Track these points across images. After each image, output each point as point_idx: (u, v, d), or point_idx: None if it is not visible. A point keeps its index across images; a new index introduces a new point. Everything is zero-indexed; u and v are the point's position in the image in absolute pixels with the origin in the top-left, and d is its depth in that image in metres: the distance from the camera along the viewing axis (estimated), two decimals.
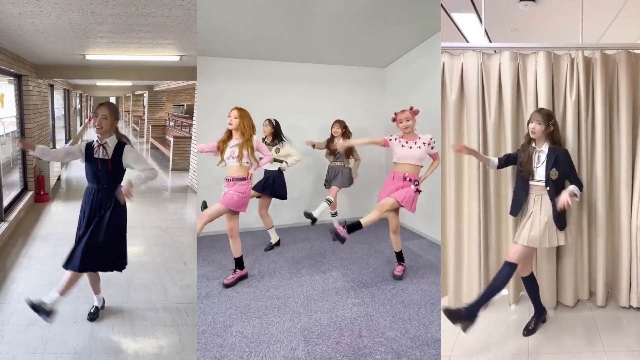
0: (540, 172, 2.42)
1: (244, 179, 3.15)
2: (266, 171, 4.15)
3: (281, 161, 4.13)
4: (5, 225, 4.20)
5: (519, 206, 2.49)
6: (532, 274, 2.53)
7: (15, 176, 5.53)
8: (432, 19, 3.73)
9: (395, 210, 3.25)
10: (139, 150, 12.34)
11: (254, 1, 3.23)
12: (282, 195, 4.21)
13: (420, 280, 3.35)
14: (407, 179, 3.18)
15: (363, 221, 3.02)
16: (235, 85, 4.93)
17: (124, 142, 2.50)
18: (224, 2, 3.23)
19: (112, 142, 2.47)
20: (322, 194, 5.31)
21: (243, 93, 4.94)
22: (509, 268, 2.35)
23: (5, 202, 4.63)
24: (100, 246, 2.43)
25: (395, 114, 3.35)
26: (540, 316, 2.55)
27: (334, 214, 4.65)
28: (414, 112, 3.27)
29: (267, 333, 2.55)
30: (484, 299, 2.32)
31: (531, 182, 2.45)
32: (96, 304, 2.77)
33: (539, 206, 2.41)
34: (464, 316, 2.25)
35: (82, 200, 2.54)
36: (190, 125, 8.19)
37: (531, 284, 2.53)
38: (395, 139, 3.26)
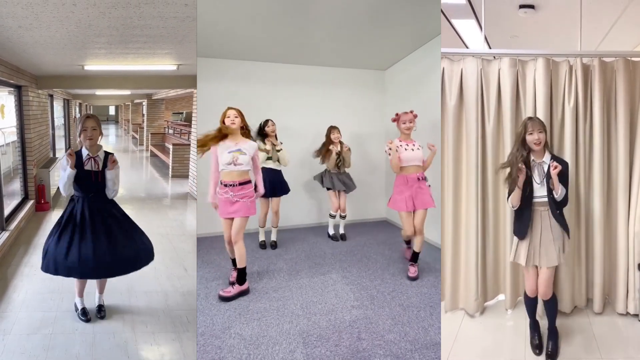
0: (544, 187, 2.26)
1: (249, 181, 3.10)
2: (268, 171, 4.16)
3: (277, 159, 4.22)
4: (6, 234, 4.21)
5: (526, 227, 2.31)
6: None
7: (16, 185, 5.56)
8: (432, 22, 3.76)
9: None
10: (139, 158, 12.38)
11: (254, 4, 3.25)
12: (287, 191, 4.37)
13: (419, 283, 3.36)
14: (421, 179, 3.38)
15: (417, 249, 3.45)
16: (234, 86, 4.95)
17: (110, 152, 2.63)
18: (223, 5, 3.25)
19: (101, 154, 2.60)
20: (319, 195, 5.35)
21: (242, 94, 4.96)
22: (554, 302, 2.40)
23: (6, 211, 4.64)
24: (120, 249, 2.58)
25: (397, 114, 3.41)
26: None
27: (343, 217, 4.69)
28: (415, 116, 3.39)
29: (265, 335, 2.56)
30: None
31: (534, 200, 2.29)
32: (98, 302, 2.83)
33: (547, 223, 2.29)
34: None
35: (69, 208, 2.57)
36: (189, 132, 8.22)
37: (554, 305, 2.44)
38: (399, 146, 3.34)
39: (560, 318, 2.70)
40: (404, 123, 3.37)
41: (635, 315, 2.67)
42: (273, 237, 4.46)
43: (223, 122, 3.06)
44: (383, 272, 3.62)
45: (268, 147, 4.15)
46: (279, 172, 4.30)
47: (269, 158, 4.15)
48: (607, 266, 2.75)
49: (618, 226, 2.71)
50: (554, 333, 2.40)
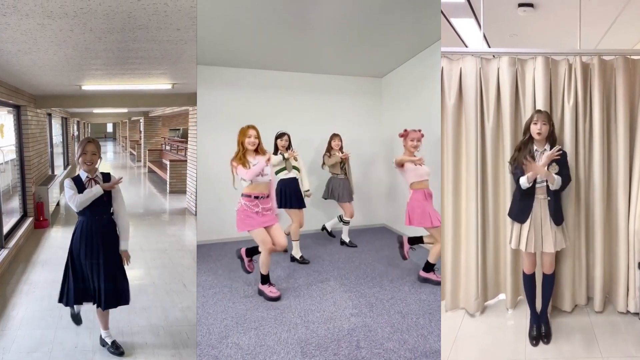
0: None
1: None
2: (289, 181, 4.09)
3: (298, 169, 4.17)
4: (5, 252, 4.20)
5: (529, 211, 2.43)
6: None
7: (15, 203, 5.58)
8: (432, 28, 3.74)
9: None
10: (137, 175, 12.40)
11: (252, 12, 3.25)
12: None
13: (418, 290, 3.33)
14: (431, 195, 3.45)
15: (432, 260, 3.42)
16: (232, 93, 4.96)
17: (107, 173, 2.59)
18: (223, 13, 3.25)
19: (99, 174, 2.54)
20: (320, 203, 5.35)
21: (240, 101, 4.96)
22: (552, 278, 2.53)
23: (5, 229, 4.63)
24: (119, 278, 2.54)
25: (406, 130, 3.42)
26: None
27: (347, 222, 4.67)
28: (422, 135, 3.42)
29: (263, 344, 2.53)
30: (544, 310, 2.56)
31: (536, 186, 2.41)
32: (109, 339, 2.66)
33: (546, 209, 2.41)
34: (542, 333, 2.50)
35: (79, 234, 2.47)
36: (186, 148, 8.29)
37: (552, 283, 2.59)
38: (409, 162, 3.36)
39: (560, 316, 2.71)
40: (412, 140, 3.37)
41: (636, 314, 2.64)
42: (299, 252, 4.18)
43: (242, 141, 3.16)
44: (381, 279, 3.59)
45: (279, 158, 4.05)
46: (296, 180, 4.17)
47: (283, 169, 4.07)
48: (607, 265, 2.72)
49: (618, 224, 2.68)
50: (545, 315, 2.55)
